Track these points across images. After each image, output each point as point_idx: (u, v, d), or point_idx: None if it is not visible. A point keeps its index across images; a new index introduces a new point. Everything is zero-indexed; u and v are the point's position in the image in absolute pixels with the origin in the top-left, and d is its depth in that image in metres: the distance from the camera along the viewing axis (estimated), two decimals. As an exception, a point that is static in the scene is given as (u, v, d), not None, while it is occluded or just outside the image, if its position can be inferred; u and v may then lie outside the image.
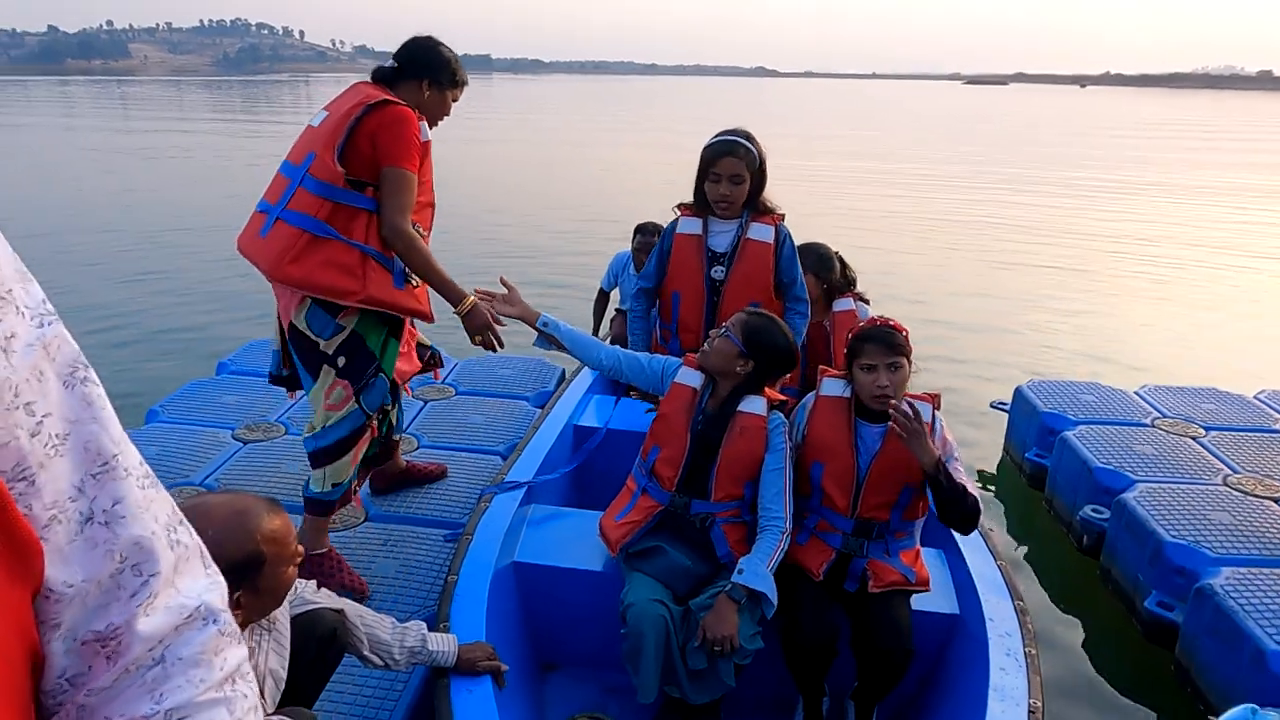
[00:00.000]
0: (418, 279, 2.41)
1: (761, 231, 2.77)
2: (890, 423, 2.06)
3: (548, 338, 2.44)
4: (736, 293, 2.80)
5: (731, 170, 2.68)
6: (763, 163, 2.74)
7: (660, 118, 39.11)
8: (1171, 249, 9.98)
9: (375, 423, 2.51)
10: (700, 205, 2.84)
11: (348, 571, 2.48)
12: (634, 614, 2.07)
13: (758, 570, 2.06)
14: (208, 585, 0.65)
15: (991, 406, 4.53)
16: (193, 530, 0.67)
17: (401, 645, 1.79)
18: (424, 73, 2.46)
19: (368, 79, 2.48)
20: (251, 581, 1.37)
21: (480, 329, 2.45)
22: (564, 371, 4.18)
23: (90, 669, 0.58)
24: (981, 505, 2.13)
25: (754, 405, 2.23)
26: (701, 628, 2.03)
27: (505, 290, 2.47)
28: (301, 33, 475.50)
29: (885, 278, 8.11)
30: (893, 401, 2.07)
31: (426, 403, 3.81)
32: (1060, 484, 3.72)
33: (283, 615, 1.57)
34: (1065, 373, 5.43)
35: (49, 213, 10.84)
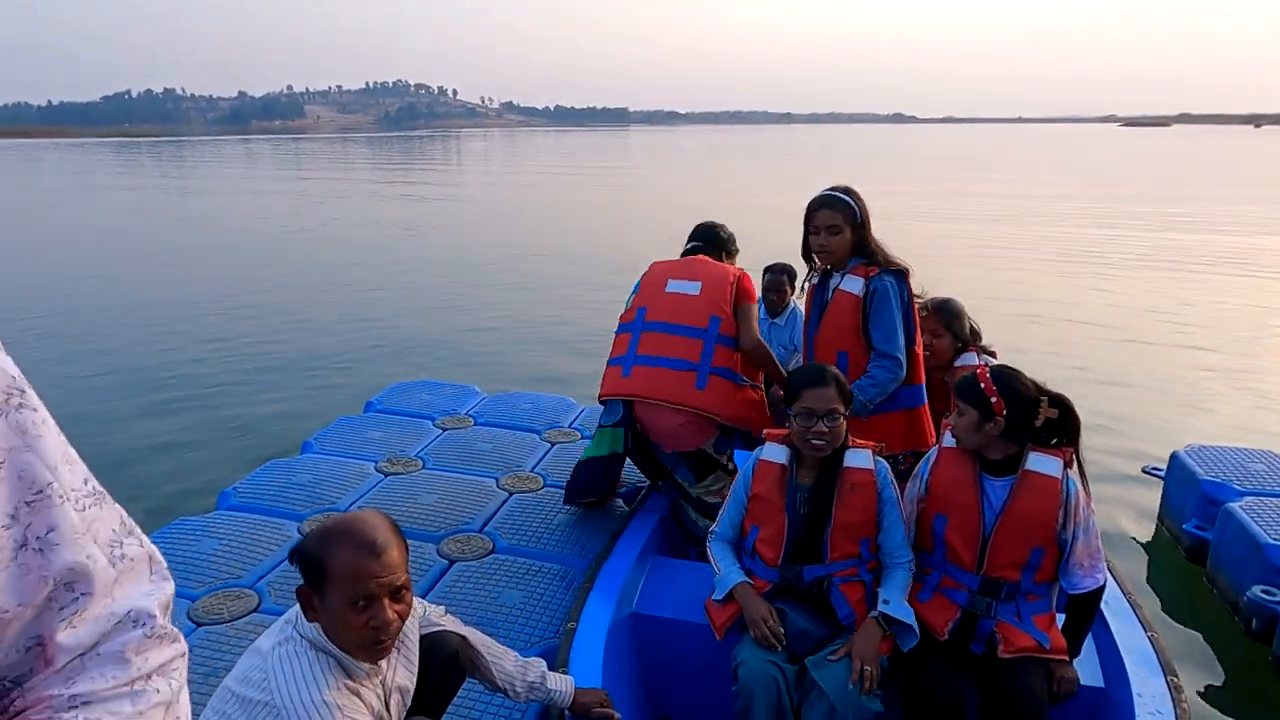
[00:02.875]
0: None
1: (852, 283, 2.73)
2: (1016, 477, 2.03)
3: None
4: (823, 344, 2.79)
5: (828, 222, 2.71)
6: (865, 217, 2.72)
7: (792, 168, 39.00)
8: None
9: None
10: (806, 257, 2.87)
11: None
12: (745, 672, 2.05)
13: (901, 601, 2.06)
14: (148, 591, 0.68)
15: (1144, 472, 4.21)
16: (144, 539, 0.70)
17: (523, 679, 1.86)
18: (717, 247, 3.24)
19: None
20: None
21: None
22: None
23: (30, 670, 0.62)
24: (1103, 578, 2.07)
25: (859, 459, 2.20)
26: (847, 644, 2.04)
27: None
28: (454, 91, 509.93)
29: (1027, 328, 7.73)
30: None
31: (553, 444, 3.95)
32: (1224, 560, 3.40)
33: (412, 634, 1.67)
34: (1227, 438, 4.98)
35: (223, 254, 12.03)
